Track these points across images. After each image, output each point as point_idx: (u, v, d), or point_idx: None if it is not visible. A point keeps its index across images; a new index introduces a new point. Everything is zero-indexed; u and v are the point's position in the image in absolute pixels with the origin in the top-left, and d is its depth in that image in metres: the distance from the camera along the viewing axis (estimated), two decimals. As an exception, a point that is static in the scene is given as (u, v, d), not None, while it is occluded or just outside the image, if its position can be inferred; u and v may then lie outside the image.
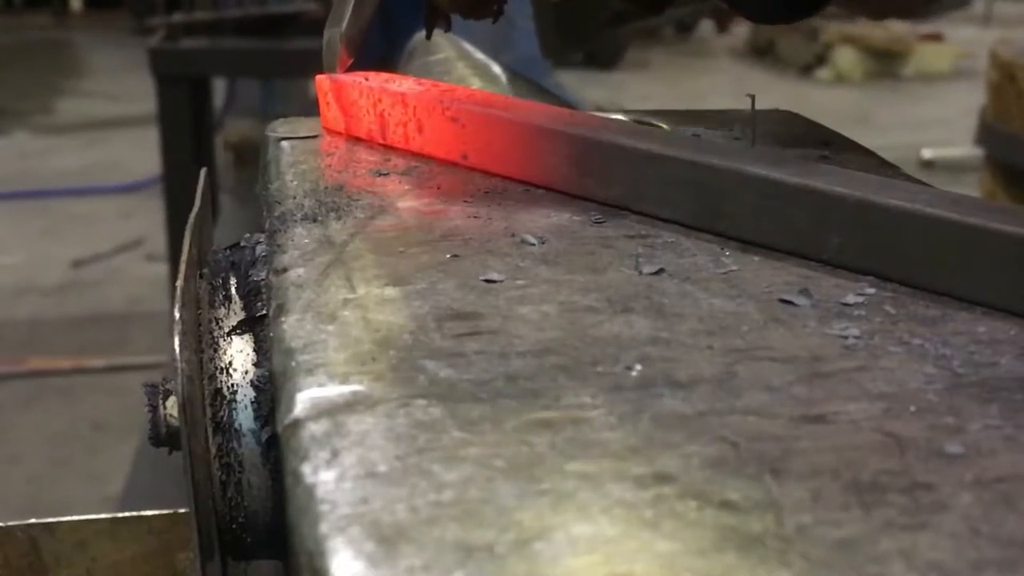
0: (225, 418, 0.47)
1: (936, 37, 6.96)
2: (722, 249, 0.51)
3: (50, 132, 5.15)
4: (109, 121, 5.23)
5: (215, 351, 0.49)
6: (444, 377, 0.38)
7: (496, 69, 0.95)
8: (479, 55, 0.99)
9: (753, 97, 0.69)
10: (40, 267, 3.47)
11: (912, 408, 0.37)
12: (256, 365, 0.48)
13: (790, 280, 0.47)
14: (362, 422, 0.35)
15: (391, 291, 0.45)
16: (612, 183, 0.56)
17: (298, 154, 0.65)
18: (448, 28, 0.78)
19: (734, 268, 0.49)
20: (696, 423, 0.36)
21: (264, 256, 0.53)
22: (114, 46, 6.93)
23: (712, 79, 6.57)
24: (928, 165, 4.60)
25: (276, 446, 0.42)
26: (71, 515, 0.67)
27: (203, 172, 0.58)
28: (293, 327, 0.42)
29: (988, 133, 2.99)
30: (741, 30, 7.85)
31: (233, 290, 0.53)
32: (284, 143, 0.67)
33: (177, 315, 0.44)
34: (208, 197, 0.57)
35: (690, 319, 0.43)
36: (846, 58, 6.61)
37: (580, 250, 0.50)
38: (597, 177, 0.56)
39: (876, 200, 0.47)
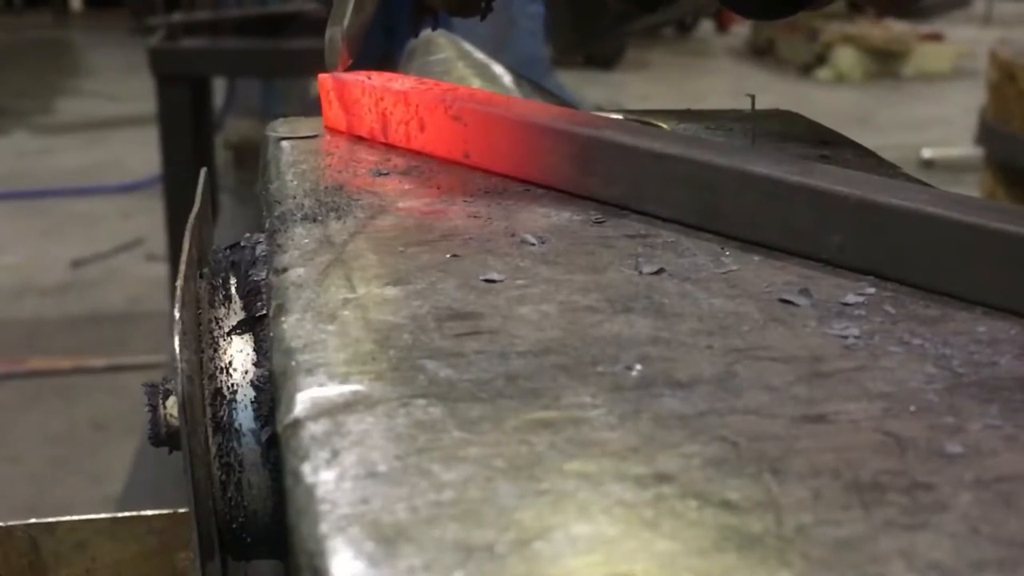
0: (225, 418, 0.47)
1: (936, 37, 6.97)
2: (722, 249, 0.51)
3: (50, 132, 5.15)
4: (109, 121, 5.23)
5: (215, 351, 0.49)
6: (444, 377, 0.38)
7: (496, 69, 0.95)
8: (479, 55, 0.99)
9: (753, 97, 0.69)
10: (40, 267, 3.47)
11: (912, 408, 0.37)
12: (256, 365, 0.48)
13: (790, 280, 0.47)
14: (362, 422, 0.35)
15: (391, 291, 0.45)
16: (613, 182, 0.56)
17: (298, 154, 0.65)
18: (436, 27, 0.78)
19: (734, 268, 0.49)
20: (696, 423, 0.36)
21: (264, 256, 0.53)
22: (114, 46, 6.93)
23: (712, 79, 6.58)
24: (928, 165, 4.61)
25: (276, 446, 0.42)
26: (71, 515, 0.67)
27: (203, 172, 0.58)
28: (293, 327, 0.42)
29: (988, 133, 3.00)
30: (741, 30, 7.85)
31: (233, 290, 0.53)
32: (284, 143, 0.67)
33: (177, 315, 0.44)
34: (208, 197, 0.57)
35: (690, 319, 0.43)
36: (846, 58, 6.61)
37: (580, 250, 0.50)
38: (598, 176, 0.56)
39: (876, 200, 0.47)
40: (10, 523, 0.65)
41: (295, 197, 0.56)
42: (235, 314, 0.51)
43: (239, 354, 0.49)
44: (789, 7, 0.69)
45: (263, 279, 0.51)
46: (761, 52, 7.28)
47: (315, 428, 0.35)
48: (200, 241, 0.54)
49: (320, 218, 0.53)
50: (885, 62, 6.68)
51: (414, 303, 0.44)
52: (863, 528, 0.31)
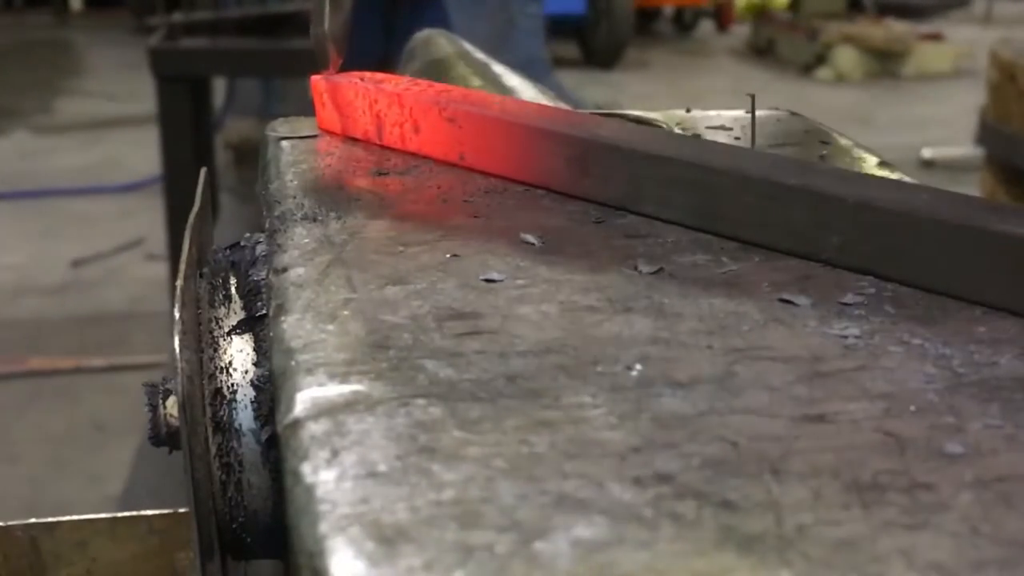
0: (225, 418, 0.47)
1: (936, 37, 6.96)
2: (722, 249, 0.51)
3: (50, 132, 5.15)
4: (109, 121, 5.23)
5: (215, 351, 0.49)
6: (444, 377, 0.38)
7: (496, 69, 0.95)
8: (479, 55, 0.99)
9: (753, 97, 0.69)
10: (40, 267, 3.47)
11: (912, 408, 0.37)
12: (256, 365, 0.48)
13: (790, 280, 0.47)
14: (362, 422, 0.35)
15: (391, 291, 0.45)
16: (611, 183, 0.55)
17: (298, 154, 0.65)
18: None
19: (734, 268, 0.49)
20: (696, 423, 0.36)
21: (264, 256, 0.53)
22: (114, 46, 6.93)
23: (712, 79, 6.57)
24: (928, 165, 4.61)
25: (276, 446, 0.42)
26: (71, 515, 0.67)
27: (203, 172, 0.58)
28: (293, 327, 0.42)
29: (988, 133, 2.99)
30: (741, 30, 7.85)
31: (233, 290, 0.53)
32: (284, 143, 0.67)
33: (177, 315, 0.44)
34: (208, 197, 0.57)
35: (690, 319, 0.43)
36: (846, 58, 6.61)
37: (580, 250, 0.50)
38: (596, 178, 0.56)
39: (876, 200, 0.47)
40: (10, 523, 0.65)
41: (295, 197, 0.56)
42: (235, 314, 0.51)
43: (239, 354, 0.49)
44: None
45: (263, 279, 0.51)
46: (761, 52, 7.28)
47: (315, 428, 0.35)
48: (200, 241, 0.54)
49: (320, 218, 0.53)
50: (885, 62, 6.67)
51: (414, 303, 0.44)
52: (863, 528, 0.31)
